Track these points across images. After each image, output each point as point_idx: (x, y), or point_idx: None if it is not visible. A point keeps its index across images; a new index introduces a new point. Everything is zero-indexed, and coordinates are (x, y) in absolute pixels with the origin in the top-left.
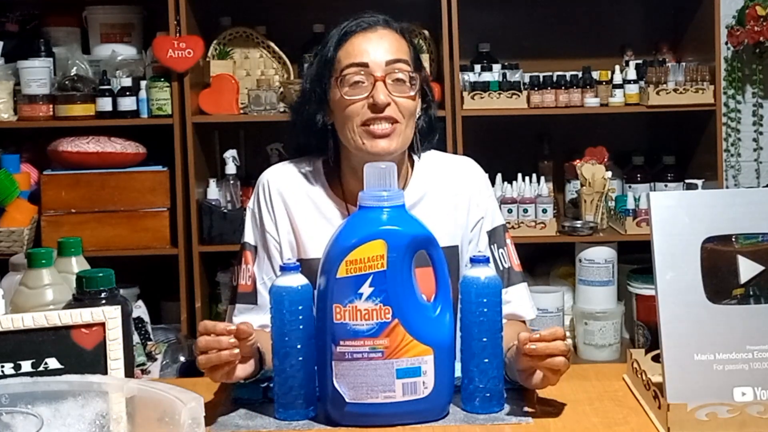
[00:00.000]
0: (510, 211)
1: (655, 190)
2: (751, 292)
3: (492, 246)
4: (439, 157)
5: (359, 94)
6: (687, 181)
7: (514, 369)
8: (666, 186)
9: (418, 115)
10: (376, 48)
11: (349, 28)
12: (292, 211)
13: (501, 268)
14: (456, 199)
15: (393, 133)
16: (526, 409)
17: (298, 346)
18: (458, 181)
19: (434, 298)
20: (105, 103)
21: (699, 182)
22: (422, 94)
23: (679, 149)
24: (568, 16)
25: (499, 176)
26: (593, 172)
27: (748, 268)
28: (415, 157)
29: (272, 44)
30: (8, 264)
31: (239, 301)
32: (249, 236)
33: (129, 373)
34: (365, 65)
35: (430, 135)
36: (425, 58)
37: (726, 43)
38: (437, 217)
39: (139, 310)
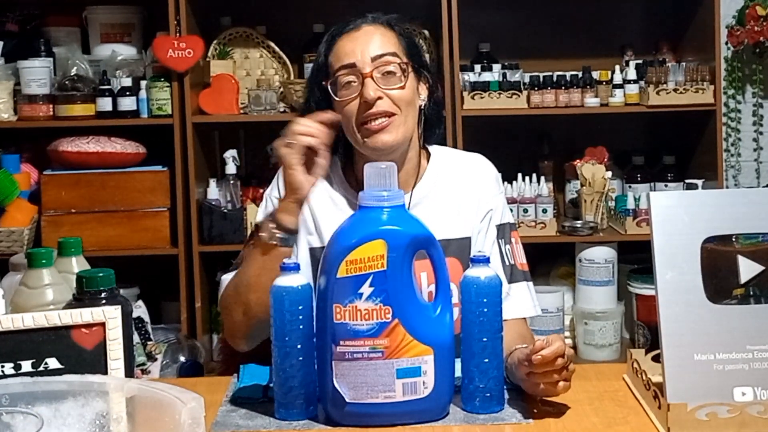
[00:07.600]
0: (510, 210)
1: (655, 190)
2: (751, 292)
3: (500, 240)
4: (452, 153)
5: (351, 94)
6: (687, 181)
7: (516, 376)
8: (666, 186)
9: (422, 103)
10: (362, 46)
11: (335, 32)
12: (311, 203)
13: (507, 263)
14: (467, 193)
15: (390, 126)
16: (526, 409)
17: (298, 346)
18: (469, 177)
19: (434, 298)
20: (105, 103)
21: (699, 182)
22: (427, 80)
23: (679, 149)
24: (568, 16)
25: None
26: (593, 172)
27: (748, 268)
28: (431, 150)
29: (272, 44)
30: (8, 264)
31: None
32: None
33: (129, 373)
34: (353, 65)
35: (438, 123)
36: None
37: (726, 43)
38: (450, 209)
39: (139, 310)
